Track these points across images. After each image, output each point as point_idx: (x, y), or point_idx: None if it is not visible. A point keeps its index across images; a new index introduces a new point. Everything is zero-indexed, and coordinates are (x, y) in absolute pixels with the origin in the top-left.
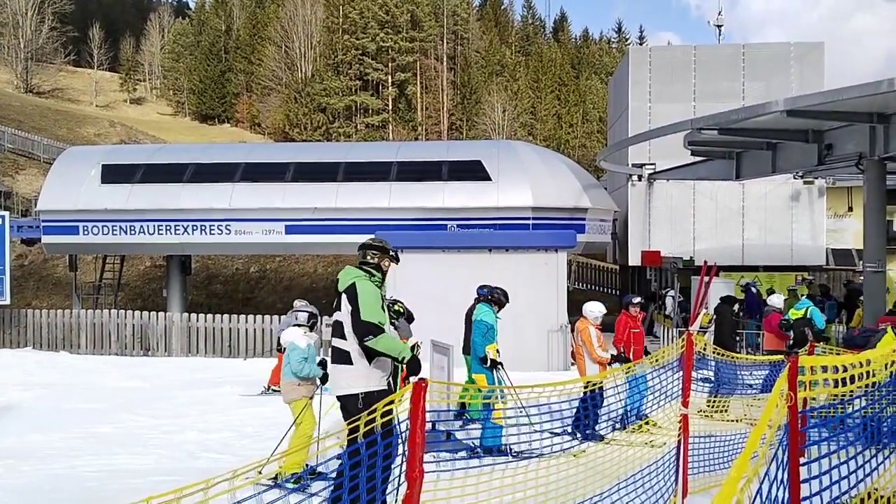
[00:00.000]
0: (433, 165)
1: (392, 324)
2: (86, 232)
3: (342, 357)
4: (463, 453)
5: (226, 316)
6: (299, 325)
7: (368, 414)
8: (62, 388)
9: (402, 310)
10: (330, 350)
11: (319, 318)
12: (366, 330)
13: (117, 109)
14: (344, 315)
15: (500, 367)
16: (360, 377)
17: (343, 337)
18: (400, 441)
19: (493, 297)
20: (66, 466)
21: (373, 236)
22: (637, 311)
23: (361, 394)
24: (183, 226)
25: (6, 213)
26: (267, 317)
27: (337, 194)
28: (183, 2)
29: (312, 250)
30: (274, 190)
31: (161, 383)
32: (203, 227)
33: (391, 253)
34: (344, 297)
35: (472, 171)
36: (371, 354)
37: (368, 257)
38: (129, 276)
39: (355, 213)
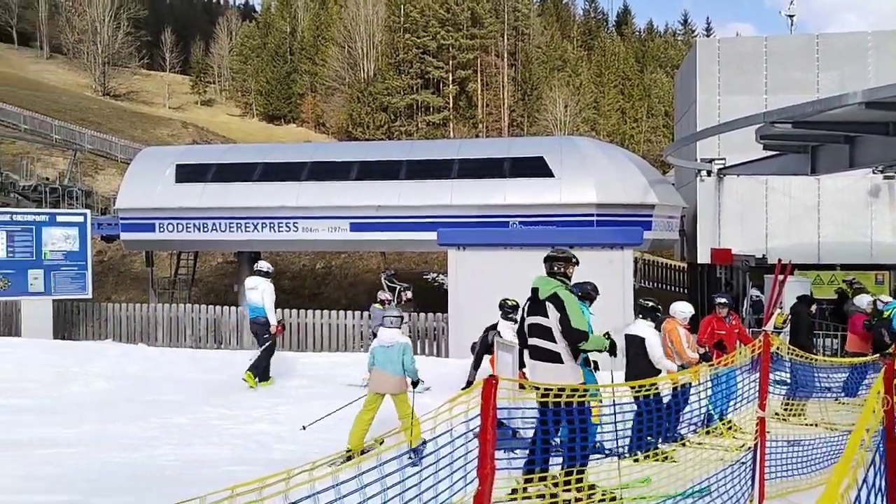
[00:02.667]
0: (494, 162)
1: (511, 318)
2: (161, 229)
3: (550, 356)
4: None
5: (294, 311)
6: (395, 327)
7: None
8: (141, 379)
9: (514, 303)
10: (528, 349)
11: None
12: (578, 336)
13: (189, 111)
14: (552, 321)
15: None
16: (568, 373)
17: (548, 339)
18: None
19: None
20: (145, 455)
21: (555, 248)
22: (724, 311)
23: (572, 385)
24: (252, 223)
25: (88, 212)
26: (333, 312)
27: (399, 192)
28: (250, 5)
29: (376, 247)
30: (339, 188)
31: (234, 375)
32: (271, 225)
33: (573, 260)
34: (549, 305)
35: (535, 168)
36: (577, 354)
37: (556, 268)
38: (202, 272)
39: (417, 210)
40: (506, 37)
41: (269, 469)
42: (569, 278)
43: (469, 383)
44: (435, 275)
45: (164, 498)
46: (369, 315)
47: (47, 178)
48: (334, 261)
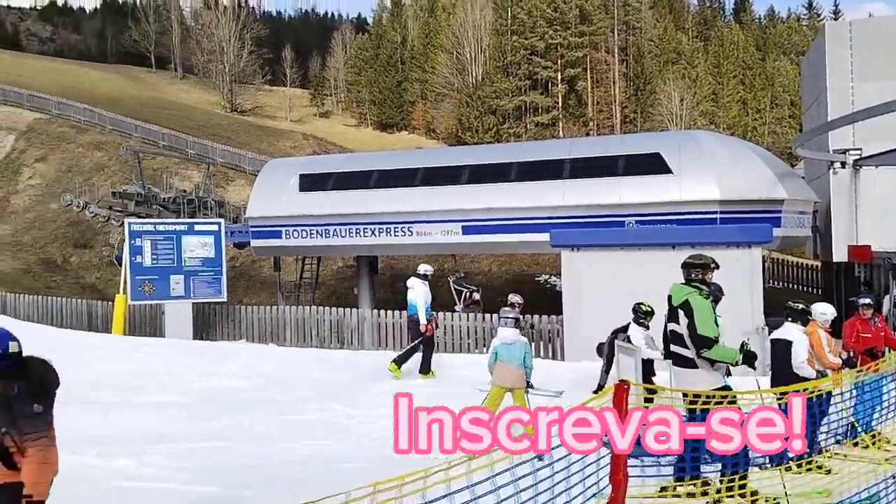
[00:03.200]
0: (608, 161)
1: (642, 324)
2: (287, 236)
3: (686, 362)
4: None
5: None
6: (512, 327)
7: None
8: (273, 377)
9: (648, 309)
10: (671, 355)
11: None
12: (702, 342)
13: (308, 123)
14: (682, 328)
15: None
16: (704, 379)
17: (684, 345)
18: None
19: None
20: (278, 449)
21: (693, 254)
22: (869, 312)
23: (708, 390)
24: (370, 228)
25: (221, 221)
26: (449, 314)
27: (510, 194)
28: (362, 18)
29: (487, 249)
30: (451, 192)
31: (357, 375)
32: (388, 229)
33: (712, 266)
34: (680, 311)
35: (651, 165)
36: (712, 360)
37: (693, 275)
38: (324, 276)
39: (529, 212)
40: (616, 32)
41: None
42: (707, 285)
43: (600, 387)
44: (547, 276)
45: (303, 491)
46: (500, 318)
47: (184, 191)
48: (447, 263)
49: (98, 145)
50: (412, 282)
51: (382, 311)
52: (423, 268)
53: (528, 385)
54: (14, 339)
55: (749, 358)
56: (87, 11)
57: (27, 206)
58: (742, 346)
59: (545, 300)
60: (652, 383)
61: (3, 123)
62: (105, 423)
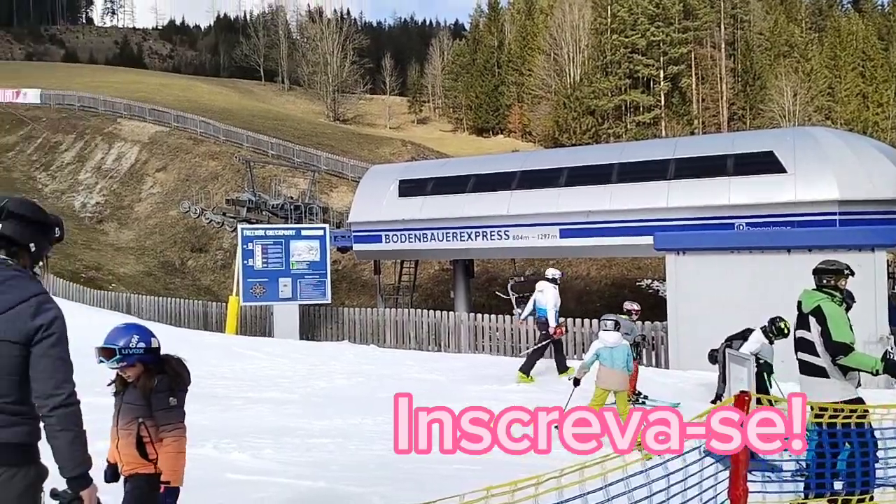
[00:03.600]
0: (716, 160)
1: (769, 338)
2: (387, 240)
3: (816, 371)
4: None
5: (508, 316)
6: (613, 330)
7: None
8: (375, 377)
9: (785, 331)
10: (798, 363)
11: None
12: (837, 349)
13: (406, 130)
14: (814, 335)
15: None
16: (835, 389)
17: (813, 353)
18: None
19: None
20: (384, 448)
21: (825, 260)
22: None
23: (838, 402)
24: (467, 232)
25: (326, 226)
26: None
27: (611, 196)
28: (460, 24)
29: (586, 253)
30: (548, 195)
31: (454, 377)
32: (484, 233)
33: (845, 272)
34: (812, 318)
35: (763, 164)
36: (845, 369)
37: (825, 281)
38: (422, 279)
39: (630, 214)
40: (723, 26)
41: (495, 470)
42: (840, 291)
43: (718, 397)
44: (649, 281)
45: (408, 491)
46: (601, 321)
47: (291, 197)
48: (543, 267)
49: (213, 155)
50: (542, 285)
51: (479, 315)
52: (552, 272)
53: (640, 396)
54: (154, 335)
55: (892, 367)
56: (202, 29)
57: (149, 213)
58: (885, 354)
59: (648, 306)
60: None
61: (128, 136)
62: (221, 418)
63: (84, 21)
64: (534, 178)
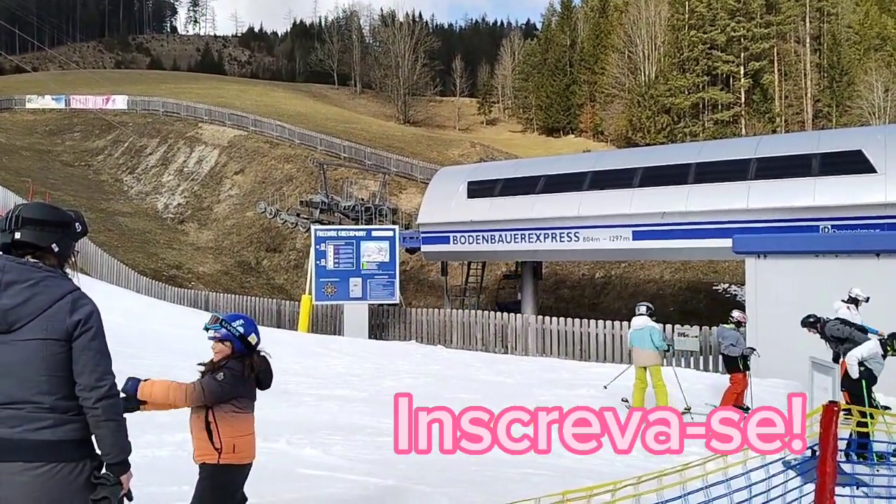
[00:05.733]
0: (800, 160)
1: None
2: (455, 241)
3: None
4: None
5: (577, 320)
6: (644, 314)
7: None
8: (442, 378)
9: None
10: None
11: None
12: None
13: (476, 131)
14: None
15: None
16: None
17: None
18: None
19: None
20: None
21: None
22: None
23: None
24: (535, 234)
25: (396, 227)
26: (616, 322)
27: (687, 197)
28: (531, 23)
29: (660, 256)
30: (621, 196)
31: (522, 380)
32: (553, 235)
33: None
34: None
35: (851, 164)
36: None
37: None
38: (488, 280)
39: (708, 216)
40: (808, 20)
41: (566, 475)
42: None
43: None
44: (726, 285)
45: (477, 493)
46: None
47: (362, 199)
48: (614, 270)
49: (288, 158)
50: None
51: (546, 318)
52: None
53: (748, 410)
54: (258, 335)
55: None
56: (279, 35)
57: (227, 214)
58: None
59: (725, 310)
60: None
61: (208, 140)
62: (293, 413)
63: (168, 30)
64: (606, 178)
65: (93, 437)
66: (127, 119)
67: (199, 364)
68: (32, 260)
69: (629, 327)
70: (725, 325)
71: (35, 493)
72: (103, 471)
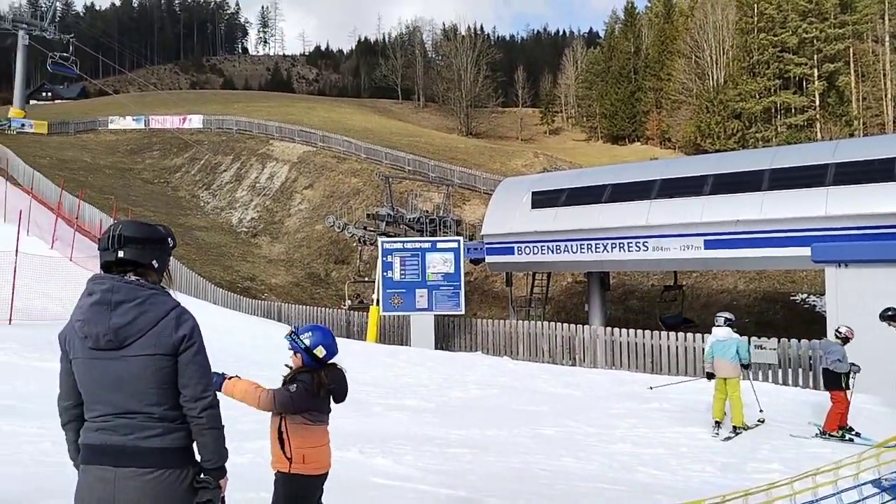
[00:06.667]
0: (883, 164)
1: None
2: (520, 252)
3: None
4: None
5: (648, 332)
6: (725, 326)
7: None
8: (509, 389)
9: None
10: None
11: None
12: None
13: (538, 141)
14: None
15: None
16: None
17: None
18: None
19: None
20: (521, 462)
21: None
22: None
23: None
24: (602, 244)
25: (460, 239)
26: (689, 335)
27: (762, 204)
28: (594, 32)
29: (733, 265)
30: (691, 204)
31: (591, 393)
32: (621, 245)
33: None
34: None
35: None
36: None
37: None
38: (554, 291)
39: (783, 223)
40: (887, 18)
41: (637, 491)
42: None
43: None
44: (804, 295)
45: None
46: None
47: (426, 211)
48: (685, 280)
49: (354, 172)
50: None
51: (616, 329)
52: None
53: (851, 431)
54: (329, 348)
55: None
56: (345, 53)
57: (297, 228)
58: None
59: (802, 322)
60: None
61: (279, 156)
62: (364, 423)
63: (240, 51)
64: (675, 186)
65: (194, 445)
66: (202, 137)
67: (286, 365)
68: (135, 277)
69: (703, 340)
70: (831, 339)
71: (146, 497)
72: (202, 476)
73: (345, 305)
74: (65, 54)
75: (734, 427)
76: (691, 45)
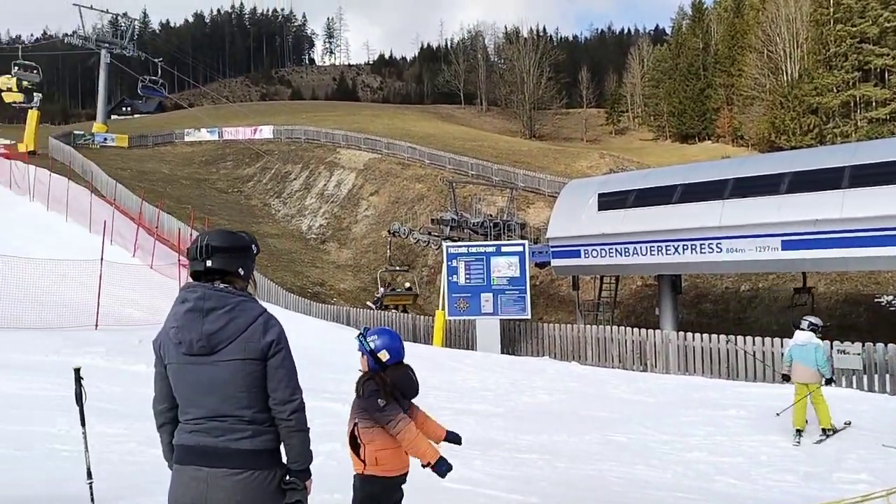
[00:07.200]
0: None
1: None
2: (586, 255)
3: None
4: None
5: (723, 336)
6: (808, 330)
7: None
8: (578, 395)
9: None
10: None
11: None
12: None
13: (604, 142)
14: None
15: None
16: None
17: None
18: None
19: None
20: (593, 469)
21: None
22: None
23: None
24: (673, 246)
25: (525, 242)
26: (767, 339)
27: (843, 203)
28: (660, 28)
29: (813, 267)
30: (767, 203)
31: (664, 399)
32: (693, 247)
33: None
34: None
35: None
36: None
37: None
38: (622, 295)
39: (867, 223)
40: None
41: (715, 501)
42: None
43: None
44: (890, 297)
45: None
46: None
47: (490, 215)
48: (761, 282)
49: (419, 178)
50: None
51: (689, 334)
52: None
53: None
54: (393, 352)
55: None
56: (408, 60)
57: (364, 234)
58: None
59: (888, 325)
60: None
61: (346, 164)
62: None
63: (307, 62)
64: (750, 185)
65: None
66: (273, 147)
67: (359, 370)
68: (223, 285)
69: (783, 345)
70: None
71: (237, 497)
72: (289, 477)
73: (379, 293)
74: (154, 77)
75: (823, 430)
76: (763, 39)
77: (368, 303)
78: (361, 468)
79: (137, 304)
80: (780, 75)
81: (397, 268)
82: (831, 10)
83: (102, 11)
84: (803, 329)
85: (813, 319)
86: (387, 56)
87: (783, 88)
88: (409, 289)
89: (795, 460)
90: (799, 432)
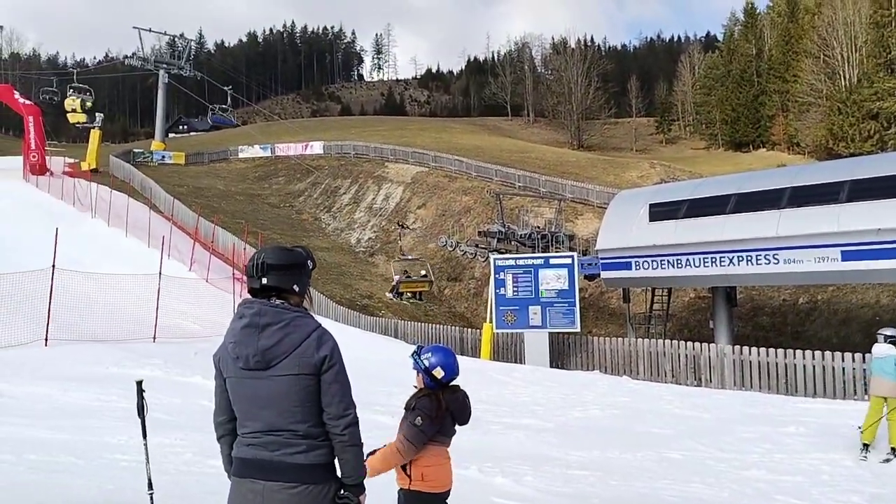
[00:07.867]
0: None
1: None
2: (637, 267)
3: None
4: None
5: (780, 350)
6: (885, 342)
7: None
8: (630, 410)
9: None
10: None
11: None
12: None
13: (654, 151)
14: None
15: None
16: None
17: None
18: None
19: None
20: (646, 486)
21: None
22: None
23: None
24: (728, 257)
25: (574, 254)
26: (827, 353)
27: None
28: (711, 35)
29: (876, 278)
30: (826, 213)
31: (719, 415)
32: (748, 258)
33: None
34: None
35: None
36: None
37: None
38: (675, 307)
39: None
40: None
41: None
42: None
43: None
44: None
45: None
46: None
47: (538, 227)
48: (820, 295)
49: (465, 191)
50: None
51: (745, 348)
52: None
53: None
54: (447, 369)
55: None
56: (455, 74)
57: (412, 246)
58: None
59: None
60: None
61: (394, 178)
62: (482, 441)
63: (356, 78)
64: (808, 194)
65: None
66: (323, 163)
67: (414, 386)
68: (279, 301)
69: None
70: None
71: None
72: (343, 492)
73: (394, 280)
74: (224, 106)
75: (892, 448)
76: (819, 43)
77: (388, 293)
78: (407, 483)
79: (193, 316)
80: (838, 80)
81: (409, 257)
82: (893, 10)
83: (160, 33)
84: (880, 342)
85: (890, 332)
86: (434, 70)
87: (841, 94)
88: (425, 275)
89: (860, 480)
90: (866, 447)
